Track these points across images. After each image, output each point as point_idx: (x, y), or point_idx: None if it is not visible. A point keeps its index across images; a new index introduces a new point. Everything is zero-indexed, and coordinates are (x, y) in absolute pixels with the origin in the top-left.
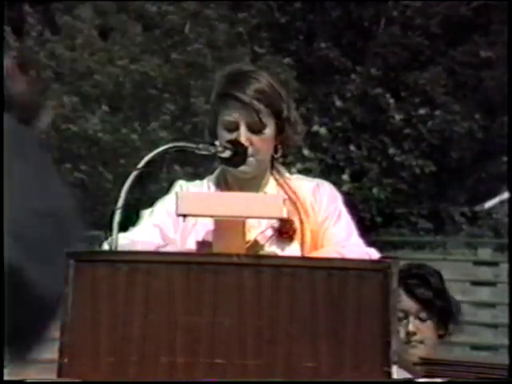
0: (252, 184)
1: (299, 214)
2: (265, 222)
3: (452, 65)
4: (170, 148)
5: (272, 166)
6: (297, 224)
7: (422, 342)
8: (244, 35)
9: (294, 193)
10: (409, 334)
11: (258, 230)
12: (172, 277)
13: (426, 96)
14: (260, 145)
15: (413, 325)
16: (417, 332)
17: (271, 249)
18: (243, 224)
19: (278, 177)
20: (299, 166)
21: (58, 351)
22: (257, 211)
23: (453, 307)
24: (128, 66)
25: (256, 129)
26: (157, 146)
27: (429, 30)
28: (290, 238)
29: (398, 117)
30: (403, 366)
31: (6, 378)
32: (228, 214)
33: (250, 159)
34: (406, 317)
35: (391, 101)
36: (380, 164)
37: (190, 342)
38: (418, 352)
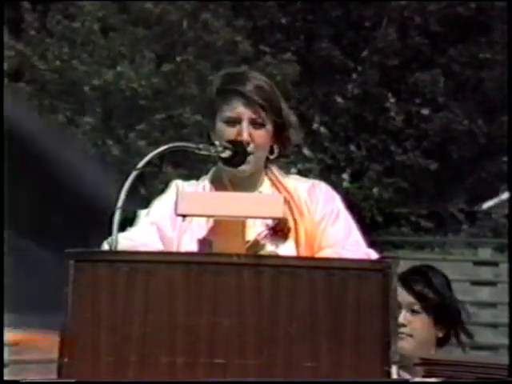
0: (247, 183)
1: (293, 213)
2: (259, 221)
3: (451, 65)
4: (170, 148)
5: (266, 166)
6: (291, 223)
7: (411, 335)
8: (243, 37)
9: (288, 192)
10: (398, 326)
11: (254, 229)
12: (172, 277)
13: (426, 96)
14: (260, 140)
15: (403, 317)
16: (407, 324)
17: (266, 247)
18: (243, 224)
19: (272, 176)
20: (299, 165)
21: (57, 351)
22: (256, 211)
23: (461, 313)
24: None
25: (258, 123)
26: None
27: (428, 29)
28: (285, 236)
29: (398, 116)
30: (403, 365)
31: (5, 378)
32: (228, 213)
33: (250, 156)
34: (399, 308)
35: (392, 100)
36: (380, 163)
37: (190, 342)
38: (405, 345)
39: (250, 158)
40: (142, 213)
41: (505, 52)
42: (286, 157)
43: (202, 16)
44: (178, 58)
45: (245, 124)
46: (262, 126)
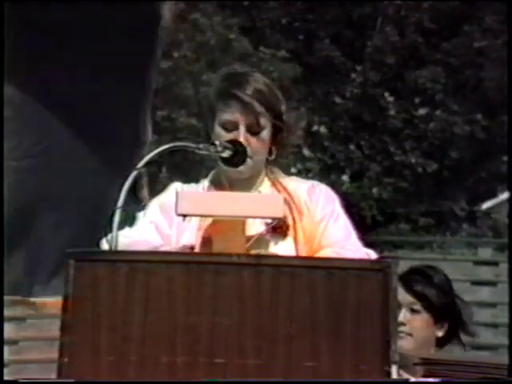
0: (246, 184)
1: (292, 212)
2: (259, 220)
3: (448, 59)
4: (171, 147)
5: (265, 167)
6: (290, 221)
7: (410, 334)
8: (236, 35)
9: (288, 193)
10: (397, 325)
11: (253, 228)
12: (172, 277)
13: (425, 95)
14: (257, 146)
15: (403, 315)
16: (406, 323)
17: (266, 246)
18: (243, 224)
19: (271, 177)
20: (299, 165)
21: (58, 351)
22: (257, 211)
23: (462, 313)
24: None
25: (255, 130)
26: None
27: (423, 26)
28: (284, 234)
29: (398, 116)
30: (403, 365)
31: (5, 378)
32: (228, 213)
33: (247, 160)
34: (399, 307)
35: (391, 100)
36: (380, 163)
37: (190, 341)
38: (405, 344)
39: (248, 162)
40: (140, 214)
41: (499, 39)
42: (284, 157)
43: (192, 15)
44: (176, 54)
45: (242, 129)
46: (258, 132)
